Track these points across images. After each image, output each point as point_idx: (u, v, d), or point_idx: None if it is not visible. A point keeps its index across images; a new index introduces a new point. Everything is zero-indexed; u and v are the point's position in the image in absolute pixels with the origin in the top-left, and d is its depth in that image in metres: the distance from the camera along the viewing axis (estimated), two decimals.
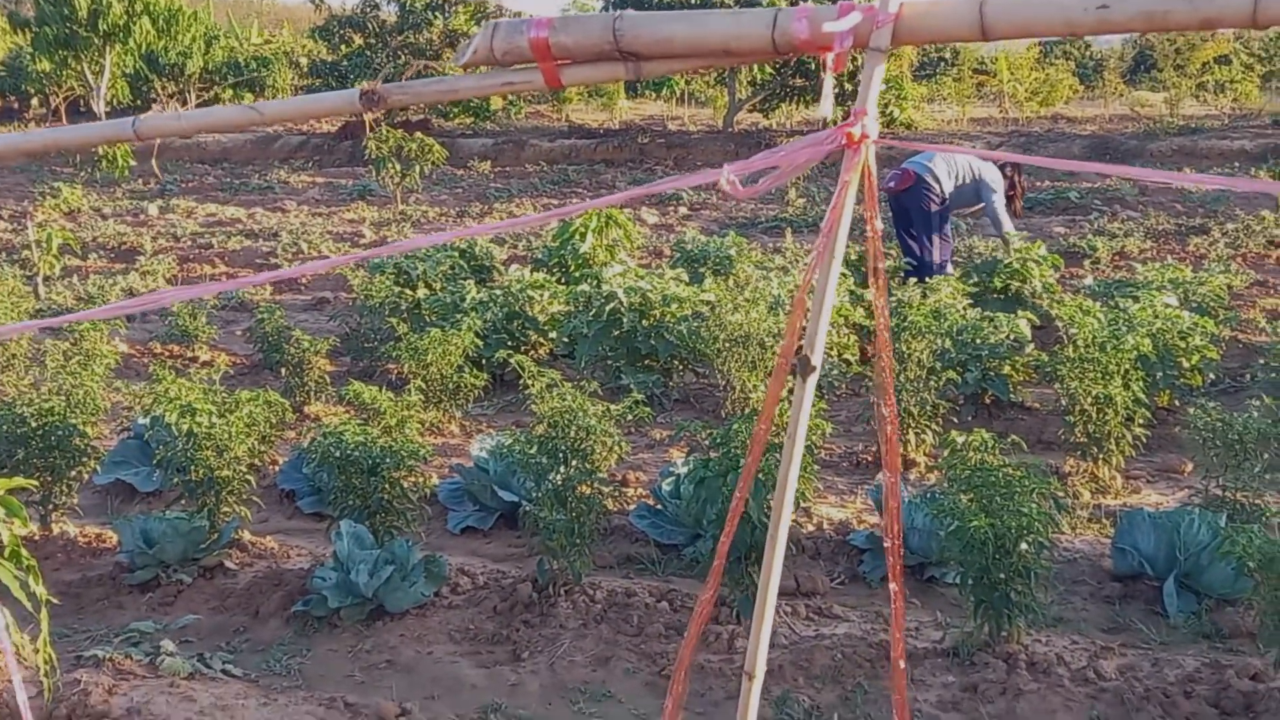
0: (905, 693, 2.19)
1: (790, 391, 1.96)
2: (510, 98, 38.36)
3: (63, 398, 6.45)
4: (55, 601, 4.30)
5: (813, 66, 28.34)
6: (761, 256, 12.19)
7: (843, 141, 1.91)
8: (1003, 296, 9.54)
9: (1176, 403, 7.84)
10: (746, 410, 7.27)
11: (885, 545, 2.07)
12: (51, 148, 2.11)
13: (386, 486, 5.66)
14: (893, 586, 2.13)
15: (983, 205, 10.92)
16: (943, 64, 40.41)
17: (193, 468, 5.90)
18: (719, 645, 4.88)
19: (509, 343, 9.23)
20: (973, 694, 4.51)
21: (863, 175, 1.93)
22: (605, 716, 4.49)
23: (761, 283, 8.94)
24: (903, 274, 10.00)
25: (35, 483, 4.70)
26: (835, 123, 1.94)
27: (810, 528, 6.16)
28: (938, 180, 10.54)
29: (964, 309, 8.21)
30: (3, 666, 4.46)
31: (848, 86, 20.01)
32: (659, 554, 6.00)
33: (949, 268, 10.63)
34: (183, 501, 6.16)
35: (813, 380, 1.97)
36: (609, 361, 9.07)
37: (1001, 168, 10.93)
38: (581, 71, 1.98)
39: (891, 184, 10.67)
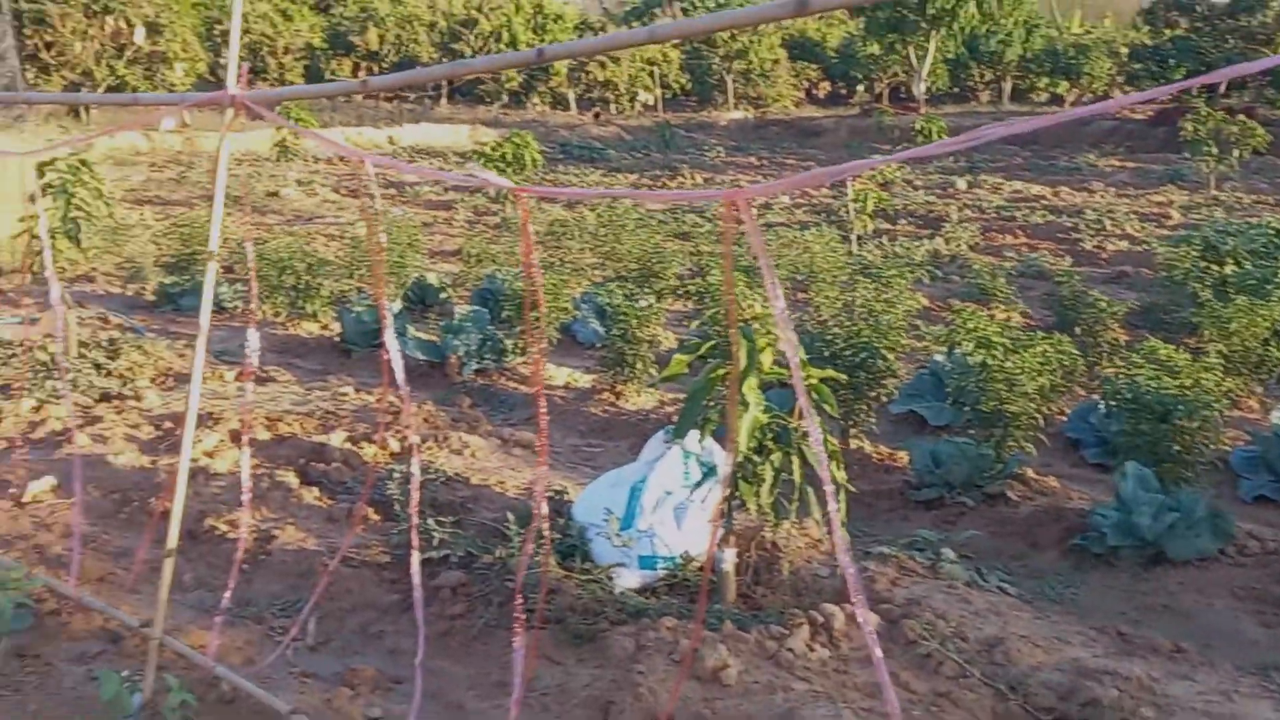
0: None
1: None
2: None
3: (869, 324, 6.96)
4: (852, 489, 4.69)
5: None
6: None
7: None
8: None
9: None
10: None
11: None
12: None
13: (1176, 434, 5.52)
14: None
15: None
16: None
17: (983, 399, 6.12)
18: None
19: None
20: None
21: None
22: None
23: None
24: None
25: (844, 376, 5.08)
26: None
27: None
28: None
29: None
30: (774, 543, 4.94)
31: None
32: None
33: None
34: (970, 432, 6.41)
35: None
36: None
37: None
38: None
39: None
